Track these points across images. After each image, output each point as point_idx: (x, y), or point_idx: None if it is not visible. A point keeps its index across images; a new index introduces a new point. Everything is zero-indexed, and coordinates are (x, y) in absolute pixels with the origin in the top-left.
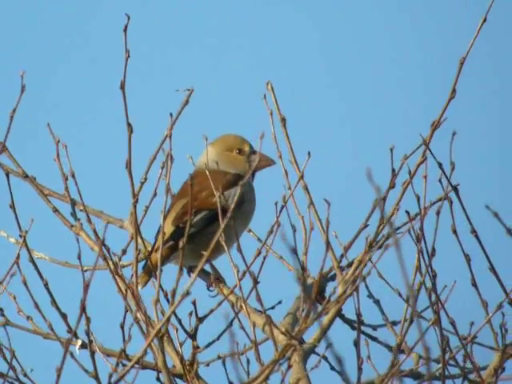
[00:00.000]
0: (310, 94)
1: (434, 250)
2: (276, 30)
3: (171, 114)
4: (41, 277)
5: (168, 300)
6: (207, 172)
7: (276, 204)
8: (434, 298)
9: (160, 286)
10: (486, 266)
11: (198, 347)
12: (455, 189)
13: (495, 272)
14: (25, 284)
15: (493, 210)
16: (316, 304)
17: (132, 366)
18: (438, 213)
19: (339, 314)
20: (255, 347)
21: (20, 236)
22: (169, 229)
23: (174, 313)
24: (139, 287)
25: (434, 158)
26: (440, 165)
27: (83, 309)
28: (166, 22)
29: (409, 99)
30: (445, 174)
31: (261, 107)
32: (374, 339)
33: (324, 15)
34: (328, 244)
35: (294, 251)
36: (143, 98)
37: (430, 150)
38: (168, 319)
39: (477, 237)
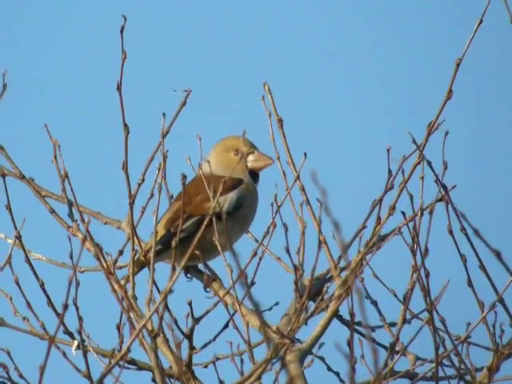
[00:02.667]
0: (308, 95)
1: (426, 249)
2: (274, 30)
3: (164, 114)
4: (37, 277)
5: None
6: (203, 176)
7: (272, 205)
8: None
9: (155, 286)
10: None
11: (194, 348)
12: (444, 187)
13: (486, 271)
14: (17, 283)
15: (474, 227)
16: (308, 303)
17: (116, 363)
18: (430, 212)
19: (337, 315)
20: (249, 347)
21: (15, 237)
22: (160, 232)
23: (169, 314)
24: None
25: (425, 158)
26: (429, 163)
27: (65, 307)
28: (162, 21)
29: (406, 100)
30: (435, 173)
31: (259, 108)
32: (372, 340)
33: (321, 16)
34: (320, 243)
35: (287, 250)
36: (140, 99)
37: (422, 152)
38: (161, 317)
39: (466, 235)
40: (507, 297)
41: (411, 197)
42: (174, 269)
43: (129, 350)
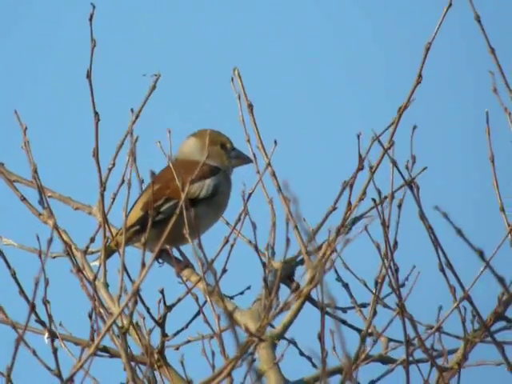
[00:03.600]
0: (278, 80)
1: (396, 242)
2: (245, 12)
3: (132, 110)
4: (8, 266)
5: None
6: (171, 165)
7: (244, 192)
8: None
9: (127, 274)
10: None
11: (166, 335)
12: (411, 183)
13: (451, 266)
14: None
15: (442, 210)
16: (279, 297)
17: (90, 355)
18: (399, 206)
19: (309, 298)
20: (219, 339)
21: None
22: (137, 214)
23: (141, 302)
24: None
25: (383, 147)
26: (385, 151)
27: (34, 305)
28: (131, 7)
29: (376, 84)
30: (396, 166)
31: (229, 92)
32: (343, 322)
33: (294, 1)
34: (288, 241)
35: (256, 248)
36: (110, 83)
37: (380, 142)
38: (132, 309)
39: (433, 232)
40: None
41: (379, 191)
42: (143, 265)
43: (97, 348)
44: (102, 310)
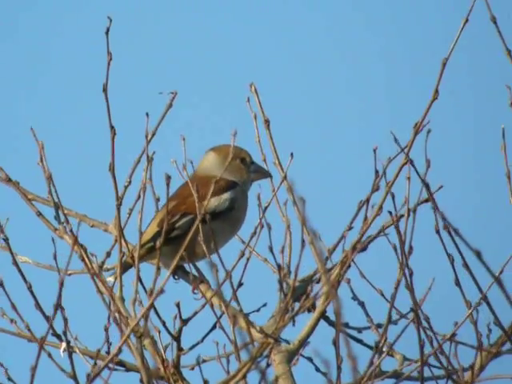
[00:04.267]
0: (294, 96)
1: (411, 248)
2: (261, 30)
3: (147, 114)
4: (24, 280)
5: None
6: (189, 181)
7: (259, 206)
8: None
9: (142, 286)
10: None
11: (182, 349)
12: (427, 186)
13: (470, 270)
14: (1, 285)
15: (454, 227)
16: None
17: (106, 365)
18: (414, 211)
19: (324, 316)
20: (235, 347)
21: (3, 240)
22: (153, 230)
23: (155, 313)
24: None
25: (409, 159)
26: (411, 161)
27: (57, 307)
28: (149, 22)
29: (393, 100)
30: (418, 173)
31: (246, 109)
32: (359, 341)
33: (305, 17)
34: (303, 242)
35: (271, 249)
36: (127, 100)
37: (407, 153)
38: (146, 317)
39: (450, 234)
40: (491, 295)
41: (393, 196)
42: (158, 268)
43: (117, 353)
44: (117, 316)
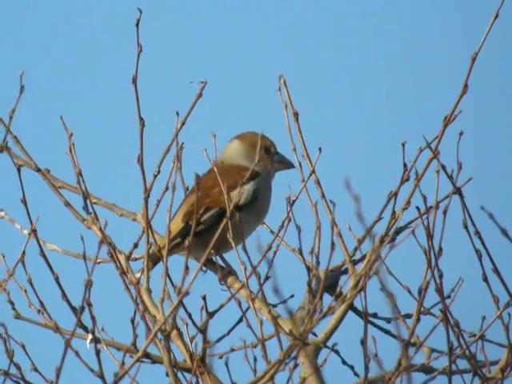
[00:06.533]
0: (325, 88)
1: (440, 249)
2: (290, 22)
3: (177, 113)
4: (52, 271)
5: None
6: (215, 169)
7: (288, 199)
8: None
9: (170, 281)
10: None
11: (208, 342)
12: (459, 190)
13: (498, 273)
14: (30, 283)
15: (487, 210)
16: (322, 302)
17: (135, 363)
18: (444, 212)
19: (352, 307)
20: (262, 345)
21: (31, 231)
22: (178, 225)
23: (183, 309)
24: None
25: (437, 159)
26: (443, 167)
27: (87, 304)
28: (178, 14)
29: (422, 94)
30: (445, 171)
31: (274, 101)
32: (387, 332)
33: (337, 9)
34: (333, 245)
35: (300, 252)
36: (156, 91)
37: (436, 147)
38: (174, 318)
39: (480, 238)
40: None
41: (424, 197)
42: (187, 268)
43: (144, 354)
44: (145, 314)
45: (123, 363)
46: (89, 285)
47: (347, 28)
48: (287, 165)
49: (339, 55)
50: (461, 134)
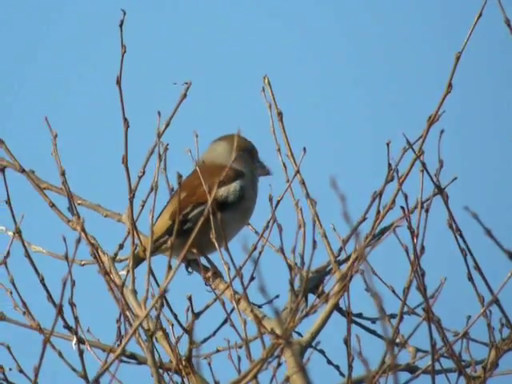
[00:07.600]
0: (309, 88)
1: (423, 247)
2: (274, 22)
3: (159, 113)
4: (37, 272)
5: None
6: (198, 169)
7: (271, 199)
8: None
9: (155, 280)
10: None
11: (194, 343)
12: (439, 189)
13: (480, 271)
14: (12, 284)
15: (472, 210)
16: (307, 301)
17: (115, 359)
18: (426, 210)
19: (337, 307)
20: (246, 345)
21: (15, 232)
22: (166, 223)
23: (169, 309)
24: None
25: (420, 159)
26: (424, 164)
27: (69, 303)
28: (160, 16)
29: (407, 93)
30: (427, 171)
31: (259, 101)
32: (372, 332)
33: (320, 9)
34: (315, 243)
35: (282, 250)
36: (140, 92)
37: (414, 151)
38: (157, 317)
39: (462, 236)
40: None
41: (406, 196)
42: (170, 268)
43: (123, 351)
44: (128, 314)
45: (106, 362)
46: (66, 282)
47: (330, 28)
48: (266, 172)
49: (322, 55)
50: (442, 131)
